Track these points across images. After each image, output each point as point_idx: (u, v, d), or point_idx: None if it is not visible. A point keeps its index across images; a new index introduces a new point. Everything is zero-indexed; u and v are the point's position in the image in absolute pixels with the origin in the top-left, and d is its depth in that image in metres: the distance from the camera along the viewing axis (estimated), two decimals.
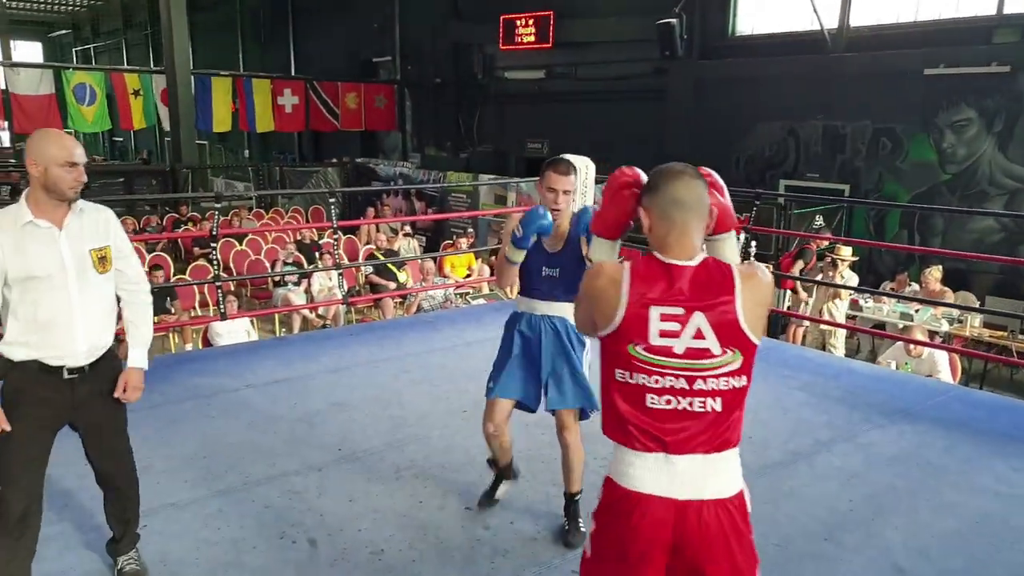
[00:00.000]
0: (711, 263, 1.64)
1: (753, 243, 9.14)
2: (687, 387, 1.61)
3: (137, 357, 2.57)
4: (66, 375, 2.39)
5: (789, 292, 8.25)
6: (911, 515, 3.21)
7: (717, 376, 1.60)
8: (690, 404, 1.61)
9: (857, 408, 4.35)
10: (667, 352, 1.61)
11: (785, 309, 8.11)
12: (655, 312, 1.61)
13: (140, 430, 3.62)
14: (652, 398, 1.63)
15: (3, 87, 15.31)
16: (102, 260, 2.43)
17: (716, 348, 1.60)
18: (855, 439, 3.93)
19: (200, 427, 3.90)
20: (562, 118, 14.45)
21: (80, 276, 2.38)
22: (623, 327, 1.63)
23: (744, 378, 1.63)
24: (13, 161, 18.38)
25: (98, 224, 2.46)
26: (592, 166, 6.82)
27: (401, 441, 3.81)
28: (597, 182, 7.96)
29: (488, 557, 2.85)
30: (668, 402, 1.62)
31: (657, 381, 1.62)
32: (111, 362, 2.54)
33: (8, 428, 2.29)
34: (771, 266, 8.36)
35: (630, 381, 1.64)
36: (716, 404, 1.61)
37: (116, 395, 2.51)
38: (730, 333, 1.60)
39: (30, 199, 2.35)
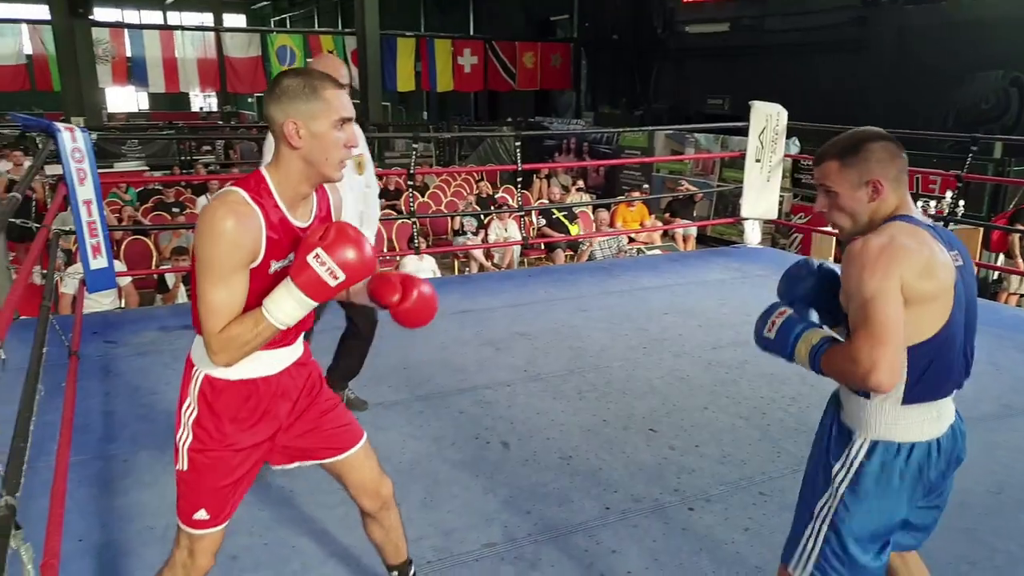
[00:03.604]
0: None
1: (961, 203, 8.37)
2: None
3: None
4: None
5: (1002, 256, 7.45)
6: None
7: None
8: None
9: None
10: None
11: (995, 276, 7.39)
12: None
13: None
14: None
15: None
16: None
17: None
18: None
19: (398, 346, 4.13)
20: (746, 73, 13.86)
21: None
22: None
23: None
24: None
25: None
26: (784, 113, 6.52)
27: (582, 368, 3.91)
28: (790, 135, 7.60)
29: (675, 473, 2.88)
30: None
31: None
32: None
33: None
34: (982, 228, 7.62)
35: None
36: None
37: None
38: None
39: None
